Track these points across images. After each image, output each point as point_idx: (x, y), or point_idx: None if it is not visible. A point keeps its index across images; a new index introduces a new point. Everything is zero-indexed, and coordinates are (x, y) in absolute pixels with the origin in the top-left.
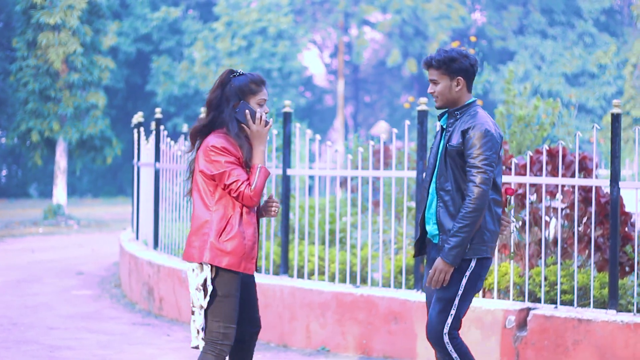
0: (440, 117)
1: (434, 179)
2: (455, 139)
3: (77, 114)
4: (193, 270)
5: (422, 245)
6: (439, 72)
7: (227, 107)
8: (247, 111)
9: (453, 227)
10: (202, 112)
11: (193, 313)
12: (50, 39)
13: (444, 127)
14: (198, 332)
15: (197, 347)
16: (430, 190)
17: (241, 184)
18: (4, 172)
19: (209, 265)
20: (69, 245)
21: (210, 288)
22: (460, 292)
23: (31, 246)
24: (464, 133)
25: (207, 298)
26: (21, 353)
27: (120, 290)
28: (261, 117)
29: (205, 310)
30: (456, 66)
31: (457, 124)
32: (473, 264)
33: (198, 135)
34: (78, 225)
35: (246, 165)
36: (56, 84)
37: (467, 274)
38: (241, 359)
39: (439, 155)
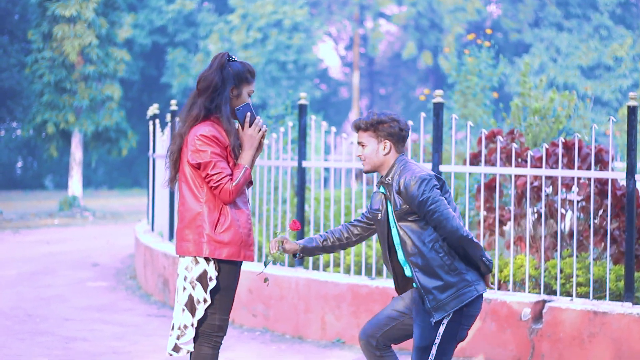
0: (378, 185)
1: (398, 253)
2: (398, 202)
3: (92, 106)
4: (186, 266)
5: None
6: (367, 135)
7: (224, 91)
8: (248, 113)
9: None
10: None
11: (177, 310)
12: (65, 31)
13: (384, 193)
14: (180, 329)
15: (175, 351)
16: (399, 259)
17: (224, 177)
18: (20, 164)
19: (210, 259)
20: (84, 236)
21: (214, 283)
22: (437, 341)
23: (46, 238)
24: (400, 193)
25: (207, 293)
26: (36, 344)
27: (135, 281)
28: (258, 124)
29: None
30: (384, 129)
31: (392, 187)
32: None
33: (196, 120)
34: (93, 217)
35: (233, 152)
36: (72, 76)
37: (445, 321)
38: None
39: (390, 225)
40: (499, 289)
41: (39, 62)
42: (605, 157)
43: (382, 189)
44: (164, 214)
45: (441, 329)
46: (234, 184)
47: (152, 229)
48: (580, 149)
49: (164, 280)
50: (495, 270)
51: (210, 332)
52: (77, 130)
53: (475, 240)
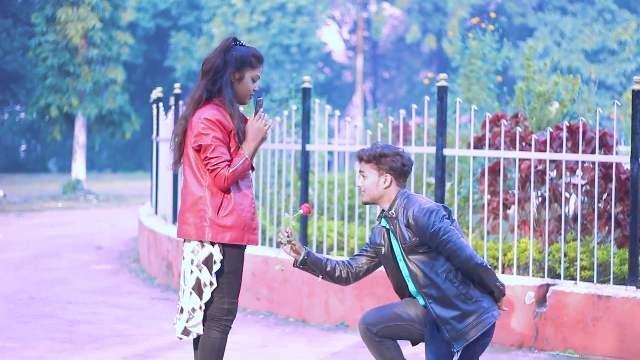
0: (379, 219)
1: (409, 285)
2: (407, 235)
3: (96, 89)
4: (192, 249)
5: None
6: (369, 166)
7: (225, 73)
8: (260, 110)
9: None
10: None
11: (185, 293)
12: (69, 14)
13: (387, 227)
14: (189, 312)
15: (185, 335)
16: (410, 291)
17: (222, 161)
18: (23, 147)
19: (214, 244)
20: (87, 220)
21: (218, 266)
22: None
23: (50, 221)
24: (409, 226)
25: (213, 276)
26: (40, 327)
27: (139, 264)
28: (264, 118)
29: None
30: (386, 163)
31: (398, 221)
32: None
33: (199, 102)
34: (97, 200)
35: (237, 136)
36: (75, 59)
37: (460, 349)
38: None
39: (398, 259)
40: (502, 272)
41: (42, 46)
42: (610, 140)
43: (384, 223)
44: (168, 197)
45: (455, 358)
46: (230, 170)
47: (156, 212)
48: (584, 132)
49: (167, 264)
50: (499, 253)
51: (220, 315)
52: (81, 114)
53: (488, 266)
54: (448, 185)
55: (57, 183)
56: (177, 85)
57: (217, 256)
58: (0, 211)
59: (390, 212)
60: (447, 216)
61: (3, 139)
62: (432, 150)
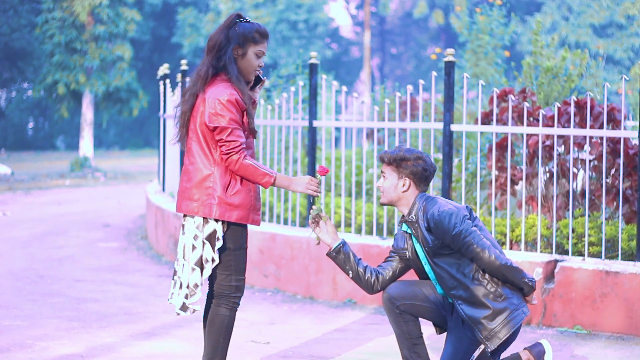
0: (400, 224)
1: (437, 288)
2: (429, 239)
3: (103, 66)
4: (197, 225)
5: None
6: (390, 168)
7: (228, 49)
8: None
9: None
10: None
11: (185, 269)
12: None
13: (409, 232)
14: (191, 288)
15: (183, 310)
16: (438, 292)
17: (237, 145)
18: (31, 125)
19: (218, 221)
20: (95, 197)
21: (220, 242)
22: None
23: (57, 198)
24: (431, 230)
25: (216, 252)
26: (47, 305)
27: (146, 242)
28: (315, 185)
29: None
30: (407, 167)
31: (419, 225)
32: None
33: (206, 79)
34: (104, 178)
35: (247, 108)
36: (82, 36)
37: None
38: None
39: (423, 262)
40: (510, 248)
41: (49, 23)
42: (618, 115)
43: (405, 228)
44: (175, 174)
45: (477, 352)
46: (245, 161)
47: (163, 190)
48: (592, 107)
49: (175, 241)
50: (507, 229)
51: (228, 293)
52: (88, 91)
53: (514, 265)
54: (456, 161)
55: (64, 161)
56: (184, 61)
57: (220, 233)
58: (8, 189)
59: (410, 217)
60: (468, 217)
61: (11, 117)
62: (440, 126)
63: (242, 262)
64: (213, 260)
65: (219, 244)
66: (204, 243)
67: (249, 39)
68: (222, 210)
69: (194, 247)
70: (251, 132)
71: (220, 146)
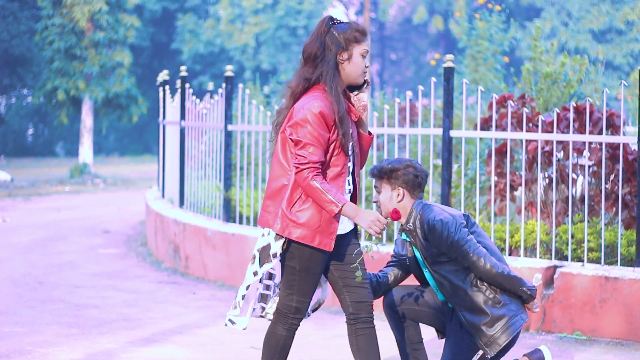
0: (400, 232)
1: (437, 294)
2: (427, 247)
3: (102, 72)
4: (263, 234)
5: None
6: (382, 182)
7: (328, 58)
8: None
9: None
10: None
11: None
12: None
13: (408, 240)
14: (236, 298)
15: (231, 322)
16: (439, 297)
17: (306, 162)
18: (31, 131)
19: (280, 236)
20: (95, 203)
21: (276, 260)
22: None
23: (57, 205)
24: (427, 238)
25: (261, 267)
26: (47, 311)
27: (146, 248)
28: (380, 225)
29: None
30: (398, 177)
31: (417, 233)
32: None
33: (298, 92)
34: (104, 184)
35: (340, 122)
36: (82, 42)
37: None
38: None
39: (423, 269)
40: (510, 254)
41: (49, 29)
42: (617, 121)
43: (404, 236)
44: (175, 181)
45: (475, 358)
46: (313, 182)
47: (163, 196)
48: (591, 113)
49: (174, 247)
50: (506, 235)
51: (287, 312)
52: (88, 97)
53: (512, 274)
54: (455, 167)
55: (64, 167)
56: (183, 68)
57: (276, 249)
58: (8, 195)
59: (408, 225)
60: (464, 225)
61: (10, 123)
62: (439, 131)
63: (307, 285)
64: (255, 274)
65: (275, 260)
66: (254, 255)
67: (351, 39)
68: (283, 225)
69: (253, 257)
70: (342, 150)
71: (294, 159)
